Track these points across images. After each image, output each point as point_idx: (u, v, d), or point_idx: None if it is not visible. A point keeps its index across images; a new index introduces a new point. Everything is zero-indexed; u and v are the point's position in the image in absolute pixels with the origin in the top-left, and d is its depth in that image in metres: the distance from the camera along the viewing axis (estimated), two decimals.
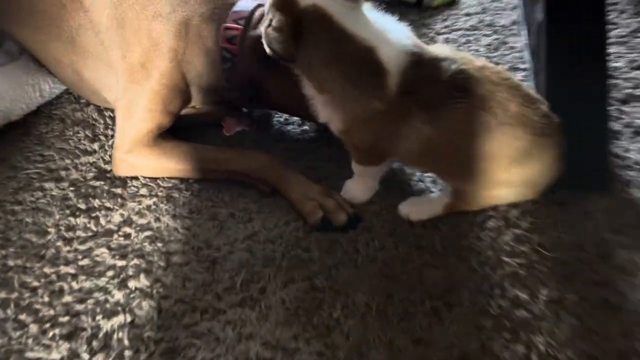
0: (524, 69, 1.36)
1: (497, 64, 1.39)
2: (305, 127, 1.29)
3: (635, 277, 0.90)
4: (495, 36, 1.49)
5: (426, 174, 1.12)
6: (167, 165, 1.17)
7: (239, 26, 1.10)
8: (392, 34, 0.92)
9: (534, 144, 0.95)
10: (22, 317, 0.95)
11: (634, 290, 0.88)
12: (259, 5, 1.12)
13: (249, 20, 1.10)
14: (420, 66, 0.91)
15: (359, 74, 0.90)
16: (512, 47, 1.45)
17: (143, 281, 0.99)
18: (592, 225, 0.98)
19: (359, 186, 1.08)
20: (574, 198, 1.02)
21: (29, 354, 0.90)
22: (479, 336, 0.85)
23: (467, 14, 1.59)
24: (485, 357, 0.83)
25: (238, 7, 1.13)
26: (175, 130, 1.22)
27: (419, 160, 1.00)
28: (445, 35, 1.51)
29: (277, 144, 1.23)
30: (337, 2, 0.89)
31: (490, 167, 0.95)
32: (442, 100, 0.90)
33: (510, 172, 0.96)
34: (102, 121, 1.35)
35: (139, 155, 1.17)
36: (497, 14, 1.58)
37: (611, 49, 1.31)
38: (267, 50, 0.91)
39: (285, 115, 1.31)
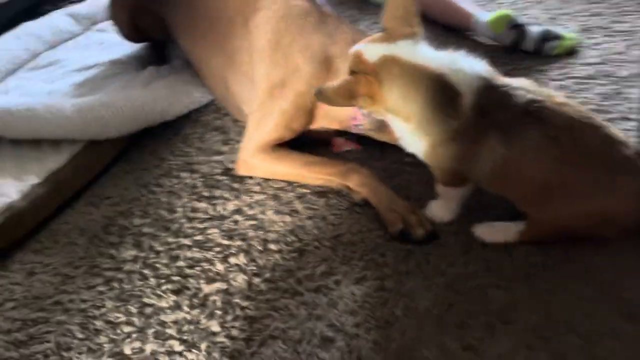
0: (637, 120, 1.35)
1: (607, 112, 1.40)
2: (404, 152, 1.40)
3: None
4: (611, 86, 1.49)
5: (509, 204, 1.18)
6: (278, 169, 1.36)
7: None
8: (462, 61, 1.01)
9: (610, 181, 0.97)
10: (146, 271, 1.18)
11: None
12: None
13: None
14: (493, 91, 0.99)
15: (436, 99, 1.00)
16: (626, 98, 1.44)
17: (242, 259, 1.17)
18: None
19: (441, 207, 1.17)
20: None
21: (145, 299, 1.12)
22: (528, 354, 0.90)
23: (587, 63, 1.60)
24: None
25: None
26: (291, 143, 1.41)
27: (494, 183, 1.06)
28: (558, 82, 1.54)
29: (376, 162, 1.36)
30: (399, 45, 1.00)
31: (560, 198, 0.99)
32: (514, 125, 0.97)
33: (581, 205, 0.99)
34: (235, 129, 1.58)
35: (258, 159, 1.37)
36: (619, 65, 1.57)
37: None
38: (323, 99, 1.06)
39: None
